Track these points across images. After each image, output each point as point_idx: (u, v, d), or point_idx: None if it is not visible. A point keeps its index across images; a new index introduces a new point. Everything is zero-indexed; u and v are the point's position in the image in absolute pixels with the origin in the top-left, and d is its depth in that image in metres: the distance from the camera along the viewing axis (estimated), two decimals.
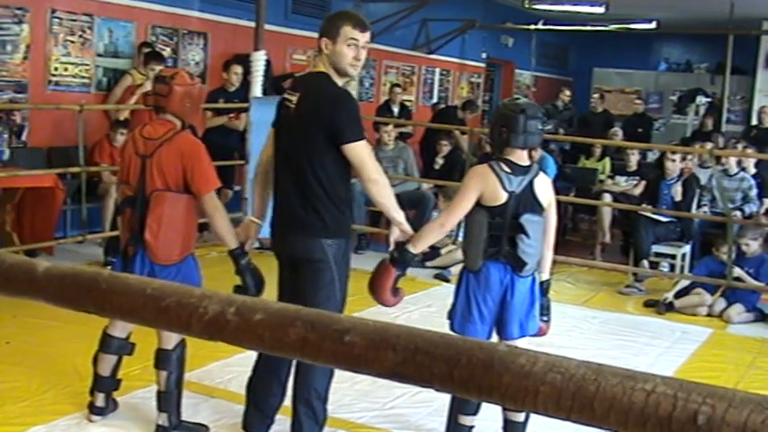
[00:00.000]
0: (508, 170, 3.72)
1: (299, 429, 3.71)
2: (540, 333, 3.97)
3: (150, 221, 3.72)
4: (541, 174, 3.87)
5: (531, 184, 3.75)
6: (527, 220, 3.71)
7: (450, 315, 3.92)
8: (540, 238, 3.79)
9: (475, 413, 3.94)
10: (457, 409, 3.93)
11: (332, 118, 3.50)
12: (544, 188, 3.83)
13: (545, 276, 3.96)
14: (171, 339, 3.84)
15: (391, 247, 3.80)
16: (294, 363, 3.66)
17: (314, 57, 3.62)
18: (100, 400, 4.03)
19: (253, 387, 3.86)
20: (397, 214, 3.73)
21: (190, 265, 3.87)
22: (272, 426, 3.90)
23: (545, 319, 3.99)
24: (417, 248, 3.78)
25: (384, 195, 3.65)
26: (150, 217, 3.73)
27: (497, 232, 3.72)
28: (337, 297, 3.65)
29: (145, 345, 3.90)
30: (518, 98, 4.08)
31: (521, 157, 3.77)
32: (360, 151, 3.54)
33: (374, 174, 3.59)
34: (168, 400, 3.90)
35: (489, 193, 3.72)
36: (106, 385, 4.04)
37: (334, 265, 3.60)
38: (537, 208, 3.77)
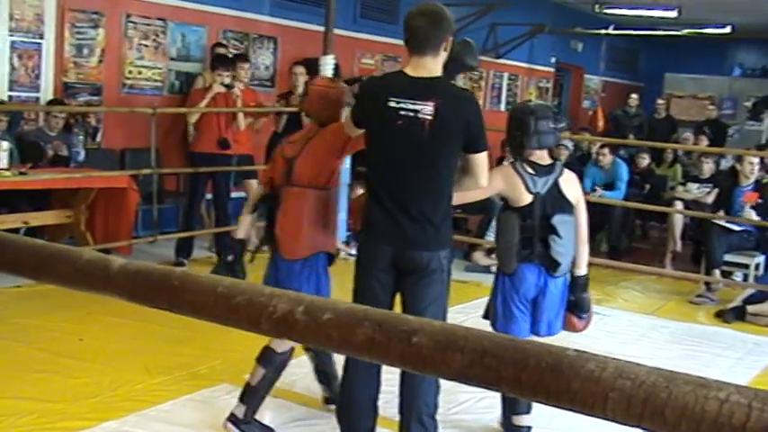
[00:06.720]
0: (531, 171, 3.79)
1: None
2: (573, 329, 3.95)
3: (280, 217, 3.83)
4: (566, 171, 3.90)
5: (556, 183, 3.80)
6: (559, 220, 3.75)
7: (488, 316, 3.97)
8: (572, 237, 3.82)
9: (527, 411, 3.92)
10: (509, 410, 3.93)
11: (476, 126, 3.36)
12: (571, 186, 3.87)
13: (582, 272, 3.93)
14: (283, 344, 3.85)
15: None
16: (399, 378, 3.45)
17: (426, 59, 3.32)
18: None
19: (344, 412, 3.60)
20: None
21: (317, 262, 3.84)
22: None
23: (583, 315, 3.95)
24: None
25: (471, 199, 3.77)
26: (280, 212, 3.83)
27: (529, 234, 3.75)
28: (446, 309, 3.51)
29: (212, 342, 3.95)
30: (529, 101, 4.19)
31: (541, 157, 3.82)
32: (485, 159, 3.46)
33: (486, 181, 3.51)
34: (253, 395, 3.91)
35: (513, 194, 3.77)
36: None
37: (447, 276, 3.45)
38: (567, 207, 3.81)
